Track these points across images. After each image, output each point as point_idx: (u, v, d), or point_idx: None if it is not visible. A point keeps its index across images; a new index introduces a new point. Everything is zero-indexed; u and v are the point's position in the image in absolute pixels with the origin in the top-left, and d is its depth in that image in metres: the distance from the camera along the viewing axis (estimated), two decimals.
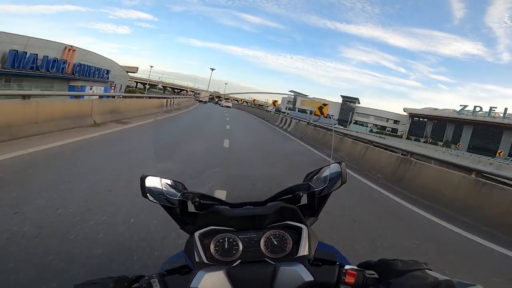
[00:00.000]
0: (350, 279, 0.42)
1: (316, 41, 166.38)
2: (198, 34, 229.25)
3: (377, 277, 0.42)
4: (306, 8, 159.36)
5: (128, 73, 38.93)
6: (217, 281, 0.42)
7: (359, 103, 51.96)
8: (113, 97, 9.48)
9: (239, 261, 0.48)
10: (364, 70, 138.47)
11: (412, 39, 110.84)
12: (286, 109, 51.27)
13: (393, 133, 40.32)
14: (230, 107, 27.05)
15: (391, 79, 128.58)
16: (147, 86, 53.89)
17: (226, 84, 61.77)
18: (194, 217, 0.54)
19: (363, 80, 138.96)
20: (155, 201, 0.53)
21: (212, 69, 50.03)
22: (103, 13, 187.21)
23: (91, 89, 21.28)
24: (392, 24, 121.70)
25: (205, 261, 0.48)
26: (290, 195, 0.56)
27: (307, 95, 68.71)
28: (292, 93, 66.48)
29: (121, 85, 29.20)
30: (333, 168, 0.58)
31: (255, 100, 20.45)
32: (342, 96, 53.98)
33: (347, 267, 0.44)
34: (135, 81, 67.01)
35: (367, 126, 51.46)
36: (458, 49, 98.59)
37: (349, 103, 52.43)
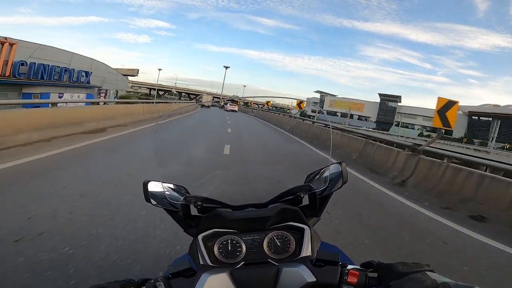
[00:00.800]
0: (352, 279, 0.45)
1: (334, 40, 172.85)
2: (214, 40, 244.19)
3: (379, 277, 0.45)
4: (321, 8, 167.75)
5: (127, 77, 36.84)
6: (221, 283, 0.47)
7: (400, 102, 48.30)
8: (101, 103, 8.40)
9: (243, 262, 0.54)
10: (386, 68, 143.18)
11: (435, 34, 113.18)
12: (316, 113, 48.77)
13: (448, 136, 35.57)
14: (235, 111, 25.69)
15: (417, 75, 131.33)
16: (154, 92, 54.51)
17: (244, 86, 59.72)
18: (197, 220, 0.60)
19: (386, 78, 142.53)
20: (158, 205, 0.58)
21: (226, 67, 48.03)
22: (124, 23, 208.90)
23: (60, 97, 17.95)
24: (411, 19, 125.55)
25: (209, 263, 0.53)
26: (291, 196, 0.62)
27: (335, 95, 63.24)
28: (319, 94, 62.58)
29: (117, 91, 27.19)
30: (334, 168, 0.63)
31: (269, 102, 20.36)
32: (381, 95, 49.82)
33: (349, 267, 0.48)
34: (145, 87, 71.27)
35: (413, 128, 46.51)
36: (486, 42, 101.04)
37: (387, 102, 48.94)
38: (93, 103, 8.47)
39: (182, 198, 0.60)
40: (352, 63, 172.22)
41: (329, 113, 57.68)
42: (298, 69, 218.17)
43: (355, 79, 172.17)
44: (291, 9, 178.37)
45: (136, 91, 77.24)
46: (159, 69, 47.87)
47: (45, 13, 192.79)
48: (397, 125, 46.79)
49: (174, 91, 69.93)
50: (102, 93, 23.98)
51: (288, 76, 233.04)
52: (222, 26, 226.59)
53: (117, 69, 39.14)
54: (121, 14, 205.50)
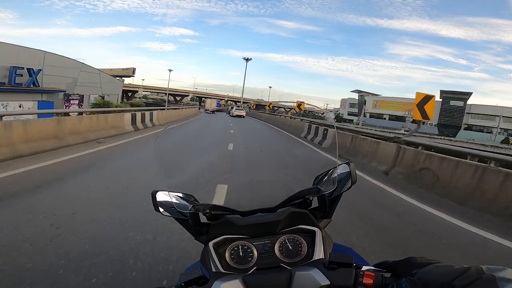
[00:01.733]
0: (368, 281, 0.48)
1: (358, 40, 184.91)
2: (236, 45, 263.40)
3: (397, 276, 0.48)
4: (342, 8, 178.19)
5: (122, 79, 33.07)
6: None
7: (468, 100, 42.96)
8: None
9: (255, 268, 0.59)
10: (417, 66, 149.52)
11: (468, 29, 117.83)
12: (359, 116, 48.70)
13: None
14: (243, 117, 24.99)
15: (451, 72, 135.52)
16: (167, 97, 56.63)
17: (270, 87, 59.27)
18: (207, 228, 0.66)
19: (417, 76, 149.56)
20: (167, 214, 0.65)
21: (247, 59, 46.71)
22: (150, 32, 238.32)
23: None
24: (440, 15, 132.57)
25: (221, 270, 0.58)
26: (300, 200, 0.67)
27: (377, 94, 57.34)
28: (357, 93, 58.01)
29: (102, 96, 21.75)
30: (342, 168, 0.67)
31: (302, 104, 19.95)
32: (443, 92, 44.42)
33: (364, 268, 0.51)
34: (157, 92, 74.51)
35: (490, 132, 41.26)
36: None
37: (452, 100, 43.71)
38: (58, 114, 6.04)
39: (190, 206, 0.67)
40: (379, 62, 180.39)
41: (372, 115, 51.97)
42: (322, 71, 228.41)
43: (383, 79, 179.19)
44: (310, 10, 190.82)
45: (154, 97, 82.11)
46: (170, 70, 47.54)
47: (78, 25, 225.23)
48: (468, 128, 41.42)
49: (191, 95, 71.88)
50: (73, 99, 19.56)
51: (312, 78, 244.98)
52: (244, 31, 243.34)
53: (111, 69, 36.55)
54: (147, 24, 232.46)
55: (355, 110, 61.71)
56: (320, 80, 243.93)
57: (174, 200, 0.68)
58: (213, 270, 0.58)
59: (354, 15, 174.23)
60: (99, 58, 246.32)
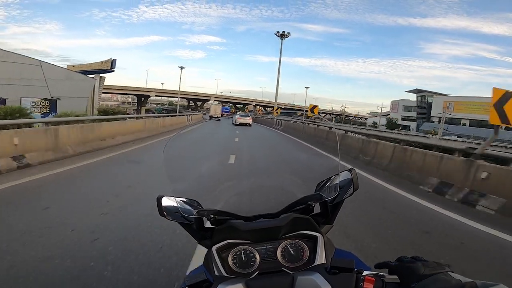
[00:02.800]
0: (368, 285, 0.55)
1: (390, 40, 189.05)
2: (263, 50, 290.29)
3: (397, 281, 0.56)
4: (369, 8, 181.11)
5: (100, 76, 28.67)
6: None
7: None
8: None
9: (257, 272, 0.69)
10: (458, 65, 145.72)
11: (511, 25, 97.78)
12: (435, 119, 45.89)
13: None
14: (249, 125, 23.76)
15: (498, 70, 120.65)
16: (176, 103, 57.48)
17: (307, 87, 57.11)
18: (210, 232, 0.77)
19: (459, 75, 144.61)
20: (172, 219, 0.76)
21: (282, 34, 43.58)
22: (181, 40, 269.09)
23: None
24: (479, 12, 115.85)
25: (224, 274, 0.67)
26: (302, 206, 0.78)
27: (446, 94, 49.54)
28: (416, 94, 50.74)
29: (52, 100, 16.54)
30: (344, 175, 0.78)
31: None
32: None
33: (365, 273, 0.59)
34: (167, 96, 76.34)
35: None
36: None
37: None
38: None
39: (195, 211, 0.78)
40: (415, 63, 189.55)
41: (451, 121, 43.81)
42: (353, 73, 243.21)
43: (421, 80, 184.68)
44: (337, 13, 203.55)
45: (174, 103, 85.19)
46: (181, 67, 43.80)
47: (116, 35, 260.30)
48: None
49: (213, 99, 72.21)
50: None
51: (342, 82, 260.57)
52: (269, 36, 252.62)
53: (89, 64, 32.89)
54: (177, 32, 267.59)
55: (413, 114, 53.83)
56: (351, 83, 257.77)
57: (178, 205, 0.79)
58: (216, 274, 0.68)
59: (384, 15, 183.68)
60: (136, 66, 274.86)
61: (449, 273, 0.51)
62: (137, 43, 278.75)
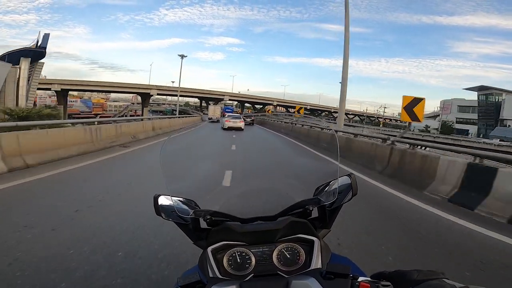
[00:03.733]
0: None
1: (414, 39, 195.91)
2: (282, 51, 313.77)
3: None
4: (391, 7, 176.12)
5: (22, 61, 24.52)
6: None
7: None
8: None
9: (252, 275, 0.77)
10: (490, 64, 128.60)
11: None
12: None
13: None
14: (241, 129, 21.96)
15: None
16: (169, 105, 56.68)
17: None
18: (206, 233, 0.84)
19: (492, 74, 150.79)
20: (168, 219, 0.84)
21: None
22: (201, 42, 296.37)
23: None
24: (509, 9, 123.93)
25: (219, 275, 0.74)
26: (300, 209, 0.86)
27: None
28: (477, 92, 45.34)
29: None
30: (343, 180, 0.86)
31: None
32: None
33: (360, 279, 0.64)
34: (169, 94, 75.37)
35: None
36: None
37: None
38: None
39: (191, 211, 0.85)
40: (442, 62, 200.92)
41: None
42: (375, 73, 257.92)
43: (449, 79, 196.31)
44: (357, 12, 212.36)
45: (190, 103, 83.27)
46: (181, 56, 41.28)
47: (139, 38, 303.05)
48: None
49: (227, 98, 69.83)
50: None
51: (364, 82, 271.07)
52: (288, 37, 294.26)
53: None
54: (197, 34, 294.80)
55: (471, 116, 47.97)
56: (373, 84, 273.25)
57: (175, 205, 0.88)
58: (211, 275, 0.75)
59: (407, 13, 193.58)
60: (159, 69, 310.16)
61: (443, 279, 0.56)
62: (159, 46, 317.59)
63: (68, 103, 60.15)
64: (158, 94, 68.86)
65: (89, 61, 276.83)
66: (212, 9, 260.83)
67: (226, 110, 59.64)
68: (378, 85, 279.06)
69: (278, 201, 0.94)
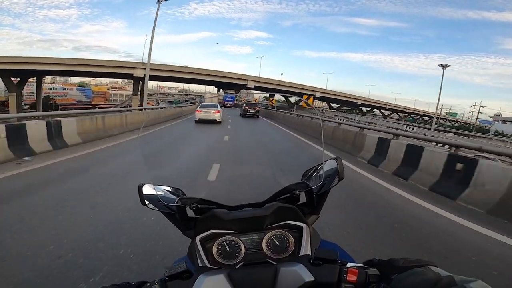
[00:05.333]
0: (352, 277, 0.72)
1: (458, 35, 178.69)
2: (311, 45, 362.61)
3: (378, 273, 0.75)
4: (432, 1, 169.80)
5: None
6: (219, 285, 0.75)
7: None
8: None
9: (242, 263, 0.91)
10: None
11: None
12: None
13: None
14: (218, 122, 21.46)
15: None
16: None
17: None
18: (194, 222, 0.99)
19: None
20: (154, 208, 0.97)
21: None
22: (229, 36, 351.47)
23: None
24: None
25: (208, 265, 0.87)
26: (288, 195, 1.01)
27: None
28: None
29: None
30: (330, 164, 1.00)
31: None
32: None
33: (349, 265, 0.78)
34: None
35: None
36: None
37: None
38: None
39: (177, 200, 0.99)
40: (489, 59, 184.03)
41: None
42: (412, 70, 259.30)
43: (497, 78, 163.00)
44: (393, 6, 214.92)
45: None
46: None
47: (171, 32, 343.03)
48: None
49: (251, 83, 63.92)
50: None
51: (399, 79, 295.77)
52: (318, 31, 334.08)
53: None
54: (226, 28, 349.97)
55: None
56: (411, 80, 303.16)
57: (161, 194, 1.01)
58: (200, 265, 0.88)
59: (450, 8, 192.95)
60: (191, 63, 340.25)
61: (429, 267, 0.68)
62: (190, 39, 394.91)
63: (61, 91, 60.15)
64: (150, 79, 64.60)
65: (126, 54, 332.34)
66: (240, 3, 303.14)
67: (226, 99, 56.55)
68: (415, 82, 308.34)
69: (266, 187, 1.17)
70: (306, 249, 0.89)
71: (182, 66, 57.18)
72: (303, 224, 0.94)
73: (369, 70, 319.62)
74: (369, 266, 0.78)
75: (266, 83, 66.64)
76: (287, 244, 0.93)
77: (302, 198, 1.04)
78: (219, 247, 0.92)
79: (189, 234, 0.99)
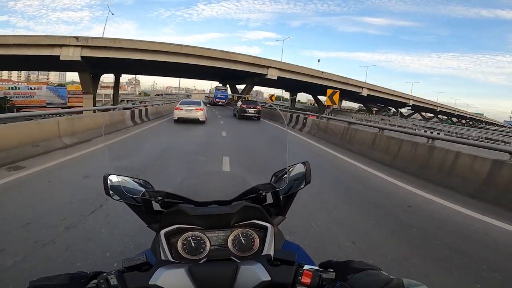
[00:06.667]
0: (306, 280, 0.85)
1: (472, 34, 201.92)
2: (320, 45, 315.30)
3: (333, 277, 0.89)
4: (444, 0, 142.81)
5: None
6: (178, 278, 0.86)
7: None
8: None
9: (205, 259, 1.07)
10: None
11: None
12: None
13: None
14: (202, 121, 20.63)
15: None
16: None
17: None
18: (160, 216, 1.14)
19: None
20: (119, 199, 1.11)
21: None
22: (237, 36, 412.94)
23: None
24: None
25: (171, 259, 1.02)
26: (254, 194, 1.16)
27: None
28: None
29: None
30: (298, 168, 1.18)
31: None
32: None
33: (306, 267, 0.91)
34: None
35: None
36: None
37: None
38: None
39: (143, 192, 1.12)
40: (505, 58, 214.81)
41: None
42: (424, 69, 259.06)
43: None
44: (403, 5, 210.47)
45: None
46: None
47: (180, 33, 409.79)
48: None
49: (273, 74, 53.17)
50: None
51: (410, 78, 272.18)
52: (326, 31, 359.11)
53: None
54: (234, 29, 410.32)
55: None
56: (423, 79, 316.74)
57: (127, 185, 1.14)
58: (163, 258, 1.01)
59: (463, 6, 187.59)
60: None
61: (381, 271, 0.83)
62: (198, 40, 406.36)
63: (26, 90, 55.72)
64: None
65: None
66: (248, 3, 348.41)
67: (219, 96, 52.13)
68: (427, 81, 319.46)
69: (235, 186, 1.25)
70: (269, 249, 1.06)
71: (163, 43, 42.59)
72: (268, 224, 1.10)
73: (380, 69, 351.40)
74: (326, 267, 0.95)
75: (294, 72, 51.14)
76: (252, 243, 1.09)
77: (270, 199, 1.22)
78: (185, 242, 1.07)
79: (155, 228, 1.13)
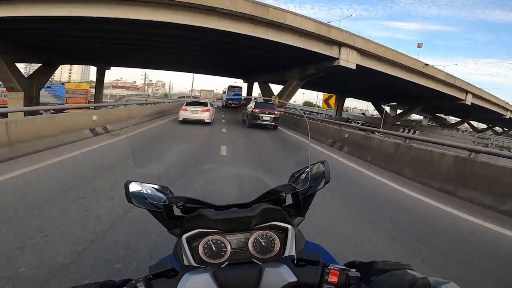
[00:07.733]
0: (333, 279, 0.85)
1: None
2: None
3: (360, 276, 0.90)
4: (481, 4, 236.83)
5: None
6: (204, 283, 0.87)
7: None
8: None
9: (227, 262, 1.08)
10: None
11: None
12: None
13: None
14: (208, 122, 20.24)
15: None
16: None
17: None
18: (181, 221, 1.18)
19: None
20: (140, 206, 1.15)
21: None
22: None
23: None
24: None
25: (193, 264, 1.04)
26: (274, 196, 1.17)
27: None
28: None
29: None
30: (317, 168, 1.17)
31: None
32: None
33: (330, 266, 0.90)
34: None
35: None
36: None
37: None
38: None
39: (164, 198, 1.15)
40: None
41: None
42: (460, 75, 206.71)
43: None
44: (436, 9, 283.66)
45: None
46: None
47: None
48: None
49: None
50: None
51: None
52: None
53: None
54: None
55: None
56: None
57: (148, 192, 1.18)
58: (185, 263, 1.03)
59: (502, 10, 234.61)
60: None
61: (407, 270, 0.81)
62: None
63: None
64: None
65: None
66: None
67: (230, 98, 46.09)
68: None
69: (254, 188, 1.29)
70: (290, 250, 1.05)
71: None
72: (288, 226, 1.11)
73: None
74: (350, 267, 0.93)
75: (383, 59, 28.18)
76: (273, 245, 1.09)
77: (289, 200, 1.20)
78: (205, 246, 1.09)
79: (175, 233, 1.17)
